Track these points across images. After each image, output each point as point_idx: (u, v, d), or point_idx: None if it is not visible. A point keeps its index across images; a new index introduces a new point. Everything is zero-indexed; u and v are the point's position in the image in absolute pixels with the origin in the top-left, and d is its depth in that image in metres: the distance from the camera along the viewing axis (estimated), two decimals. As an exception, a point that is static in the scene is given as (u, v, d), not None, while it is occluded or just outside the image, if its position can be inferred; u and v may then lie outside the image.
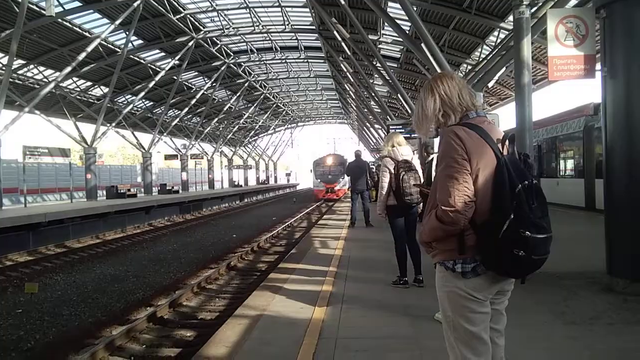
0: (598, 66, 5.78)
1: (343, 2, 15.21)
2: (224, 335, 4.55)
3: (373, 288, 6.13)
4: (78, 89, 26.62)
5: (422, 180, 5.92)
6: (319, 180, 35.96)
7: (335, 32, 19.00)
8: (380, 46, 20.84)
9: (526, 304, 4.87)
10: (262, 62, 31.61)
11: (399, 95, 19.66)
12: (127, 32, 20.30)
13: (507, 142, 2.15)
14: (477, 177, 2.06)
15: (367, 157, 32.45)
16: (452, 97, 2.23)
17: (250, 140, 58.80)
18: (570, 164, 17.07)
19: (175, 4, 20.49)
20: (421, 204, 5.83)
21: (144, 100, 31.03)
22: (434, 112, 2.25)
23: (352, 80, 27.41)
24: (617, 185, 5.44)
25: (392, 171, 5.84)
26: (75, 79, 24.93)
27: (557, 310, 4.81)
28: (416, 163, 6.00)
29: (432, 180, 2.45)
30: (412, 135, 14.45)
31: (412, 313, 4.92)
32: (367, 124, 41.23)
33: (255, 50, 28.80)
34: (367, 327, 4.60)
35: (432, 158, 6.28)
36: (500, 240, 1.97)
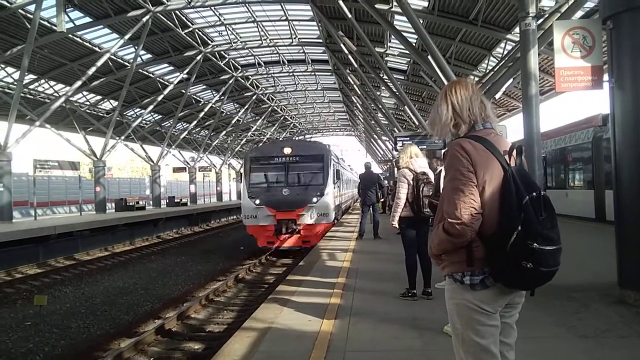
0: (606, 77, 5.76)
1: (350, 16, 15.33)
2: (232, 348, 4.53)
3: (381, 300, 6.09)
4: (88, 103, 26.96)
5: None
6: (257, 201, 14.87)
7: (342, 45, 19.12)
8: (387, 59, 20.96)
9: (536, 316, 4.80)
10: (270, 75, 31.81)
11: (406, 107, 19.74)
12: (136, 47, 20.56)
13: (514, 154, 2.16)
14: (483, 189, 2.06)
15: (375, 169, 32.16)
16: (463, 108, 2.24)
17: (258, 152, 58.83)
18: (579, 175, 16.94)
19: (184, 18, 20.74)
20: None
21: (152, 113, 31.28)
22: (446, 120, 2.27)
23: (359, 92, 27.51)
24: (627, 197, 5.37)
25: (411, 182, 5.78)
26: (85, 93, 25.24)
27: (568, 323, 4.75)
28: (430, 175, 5.98)
29: (441, 192, 2.45)
30: (420, 147, 14.42)
31: (420, 326, 4.87)
32: (375, 135, 41.24)
33: (262, 64, 29.00)
34: (375, 340, 4.56)
35: (441, 170, 6.25)
36: (508, 252, 1.96)
